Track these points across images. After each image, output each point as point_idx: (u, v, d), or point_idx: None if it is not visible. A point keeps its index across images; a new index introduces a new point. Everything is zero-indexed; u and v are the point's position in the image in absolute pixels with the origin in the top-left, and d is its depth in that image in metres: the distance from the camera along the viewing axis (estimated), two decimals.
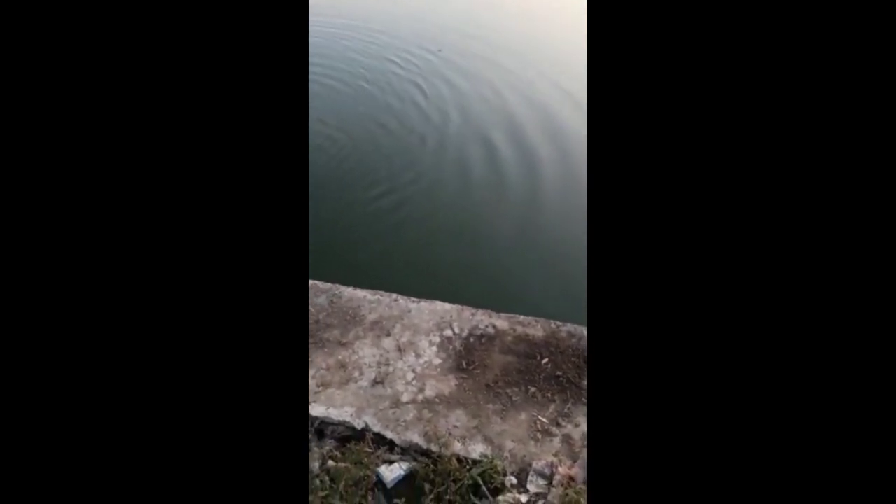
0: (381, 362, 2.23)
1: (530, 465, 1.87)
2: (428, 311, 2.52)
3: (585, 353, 2.30)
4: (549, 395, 2.13)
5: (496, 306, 2.63)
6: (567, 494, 1.71)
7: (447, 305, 2.56)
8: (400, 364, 2.23)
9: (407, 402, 2.07)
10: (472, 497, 1.76)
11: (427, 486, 1.75)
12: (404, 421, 1.99)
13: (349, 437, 1.94)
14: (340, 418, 1.99)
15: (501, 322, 2.48)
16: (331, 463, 1.81)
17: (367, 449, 1.77)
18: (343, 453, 1.76)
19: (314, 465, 1.79)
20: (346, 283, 2.64)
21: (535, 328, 2.45)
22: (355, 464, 1.70)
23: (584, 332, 2.40)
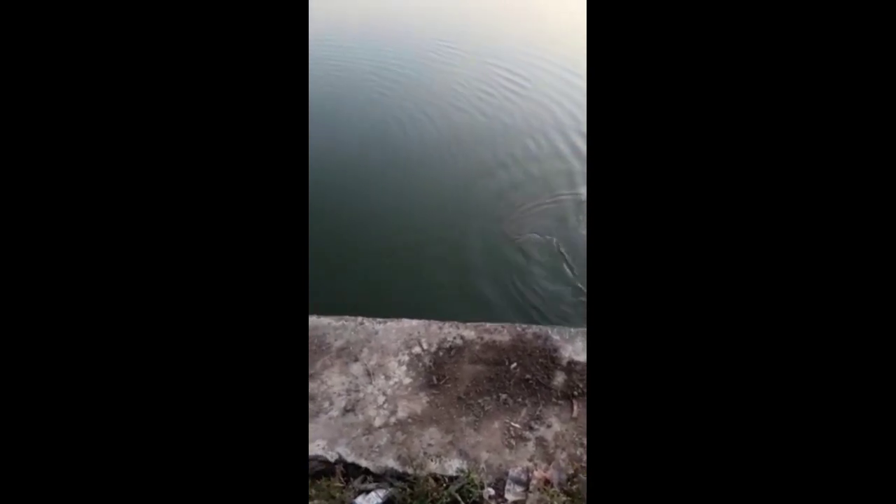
0: (350, 389, 2.21)
1: (507, 473, 1.88)
2: (395, 330, 2.51)
3: (552, 354, 2.32)
4: (520, 399, 2.15)
5: (464, 316, 2.65)
6: (542, 499, 1.72)
7: (414, 322, 2.56)
8: (370, 388, 2.22)
9: (380, 427, 2.06)
10: None
11: None
12: (378, 447, 1.99)
13: (323, 471, 1.92)
14: (313, 453, 1.97)
15: (469, 332, 2.49)
16: None
17: (337, 483, 1.76)
18: (315, 490, 1.74)
19: None
20: (311, 310, 2.62)
21: (502, 334, 2.46)
22: (328, 500, 1.69)
23: (549, 333, 2.42)
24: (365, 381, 2.26)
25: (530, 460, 1.92)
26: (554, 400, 2.14)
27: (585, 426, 2.03)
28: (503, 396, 2.16)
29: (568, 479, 1.81)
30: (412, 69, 7.37)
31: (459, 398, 2.17)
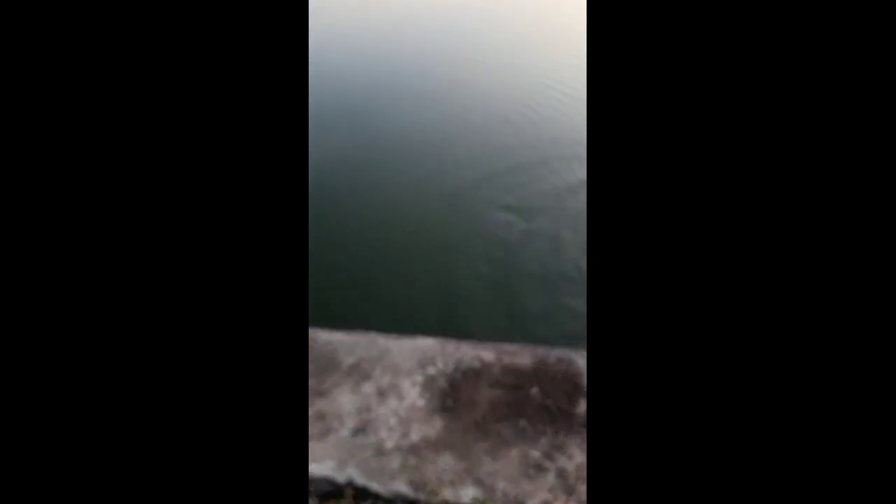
0: (361, 409, 2.11)
1: None
2: (409, 348, 2.42)
3: (575, 379, 2.21)
4: (541, 426, 2.03)
5: (483, 335, 2.55)
6: None
7: (429, 340, 2.46)
8: (382, 409, 2.12)
9: (391, 450, 1.95)
10: None
11: None
12: (389, 470, 1.88)
13: (331, 493, 1.82)
14: (321, 473, 1.87)
15: (487, 353, 2.38)
16: None
17: None
18: None
19: None
20: (321, 324, 2.54)
21: (523, 356, 2.36)
22: None
23: (573, 357, 2.31)
24: (377, 401, 2.16)
25: (550, 492, 1.80)
26: (577, 429, 2.01)
27: None
28: (522, 423, 2.05)
29: None
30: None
31: (476, 423, 2.06)
